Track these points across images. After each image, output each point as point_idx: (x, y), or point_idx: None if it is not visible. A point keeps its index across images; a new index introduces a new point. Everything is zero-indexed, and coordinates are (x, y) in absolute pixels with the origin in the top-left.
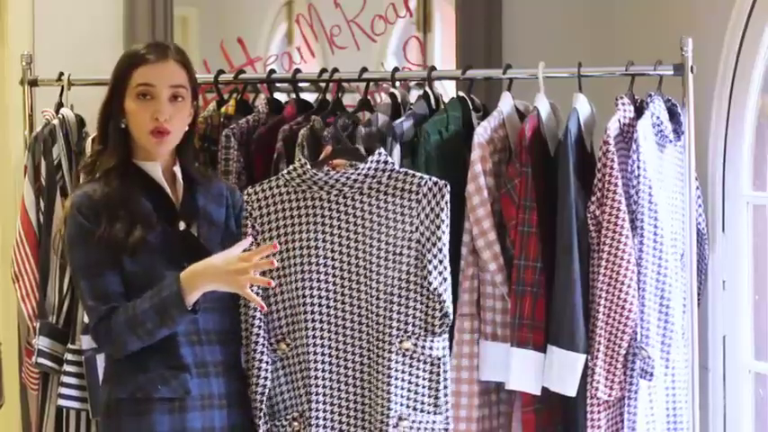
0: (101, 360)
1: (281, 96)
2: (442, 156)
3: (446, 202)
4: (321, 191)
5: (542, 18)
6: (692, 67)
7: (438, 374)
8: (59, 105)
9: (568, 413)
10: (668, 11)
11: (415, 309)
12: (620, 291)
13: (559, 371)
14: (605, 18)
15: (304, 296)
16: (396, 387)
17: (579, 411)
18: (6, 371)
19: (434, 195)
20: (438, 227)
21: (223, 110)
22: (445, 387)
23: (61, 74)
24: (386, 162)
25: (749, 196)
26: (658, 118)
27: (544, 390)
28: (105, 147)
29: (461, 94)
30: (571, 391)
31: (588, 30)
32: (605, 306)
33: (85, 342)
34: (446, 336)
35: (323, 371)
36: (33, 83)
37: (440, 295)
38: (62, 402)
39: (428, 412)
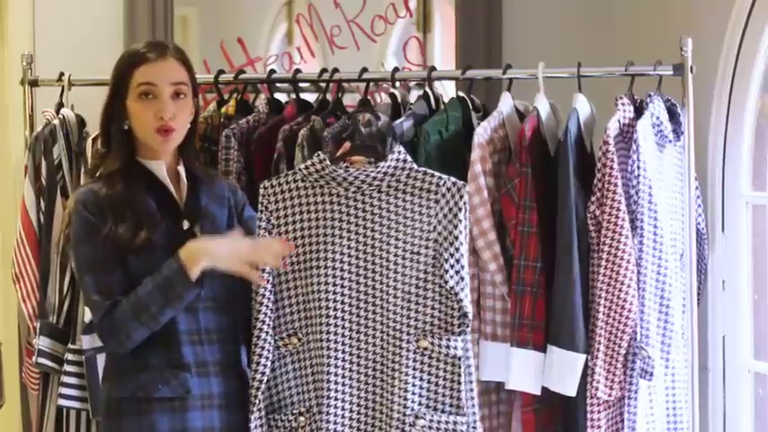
0: (101, 360)
1: (281, 96)
2: (442, 156)
3: (464, 203)
4: (339, 187)
5: (542, 18)
6: (691, 68)
7: (458, 374)
8: (60, 105)
9: (568, 413)
10: (668, 11)
11: (432, 308)
12: (620, 291)
13: (559, 371)
14: (605, 18)
15: (320, 291)
16: (412, 385)
17: (579, 411)
18: (7, 371)
19: (453, 195)
20: (455, 226)
21: (223, 110)
22: (470, 389)
23: (62, 74)
24: (405, 161)
25: (749, 196)
26: (658, 118)
27: (544, 390)
28: (109, 149)
29: (461, 94)
30: (571, 390)
31: (588, 30)
32: (605, 306)
33: (86, 342)
34: (467, 336)
35: (338, 367)
36: (34, 83)
37: (456, 294)
38: (62, 402)
39: (448, 413)
